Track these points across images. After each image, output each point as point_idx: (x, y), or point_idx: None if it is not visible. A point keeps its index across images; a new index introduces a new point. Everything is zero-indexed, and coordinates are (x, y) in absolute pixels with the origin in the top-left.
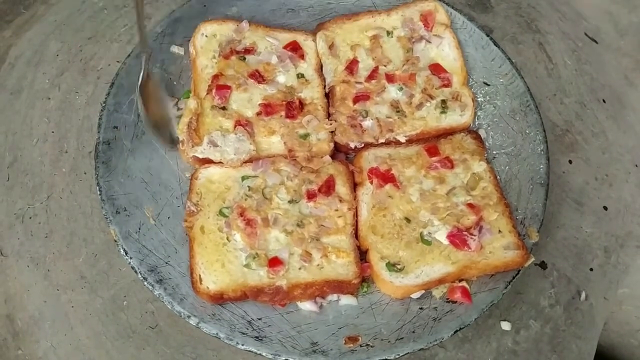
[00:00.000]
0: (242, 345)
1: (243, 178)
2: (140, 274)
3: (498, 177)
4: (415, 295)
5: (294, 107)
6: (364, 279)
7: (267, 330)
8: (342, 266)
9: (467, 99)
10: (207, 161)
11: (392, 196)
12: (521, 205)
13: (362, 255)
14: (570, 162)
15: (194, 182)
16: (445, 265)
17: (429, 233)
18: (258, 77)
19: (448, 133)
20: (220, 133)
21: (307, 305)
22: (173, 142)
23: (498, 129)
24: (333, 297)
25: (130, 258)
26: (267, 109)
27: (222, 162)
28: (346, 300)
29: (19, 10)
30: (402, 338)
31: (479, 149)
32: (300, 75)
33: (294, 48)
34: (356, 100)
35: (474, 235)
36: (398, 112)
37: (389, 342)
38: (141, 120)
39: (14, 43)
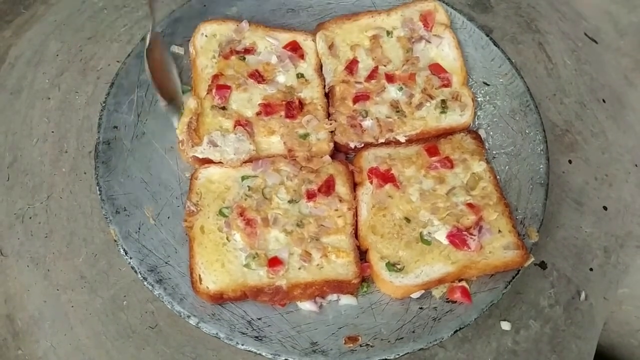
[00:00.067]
0: (242, 345)
1: (243, 178)
2: (140, 273)
3: (498, 177)
4: (415, 295)
5: (293, 107)
6: (364, 279)
7: (267, 330)
8: (342, 266)
9: (466, 99)
10: (207, 161)
11: (392, 196)
12: (521, 205)
13: (361, 255)
14: (570, 162)
15: (194, 182)
16: (445, 265)
17: (429, 233)
18: (258, 77)
19: (448, 133)
20: (220, 133)
21: (306, 305)
22: (178, 105)
23: (498, 129)
24: (333, 297)
25: (130, 258)
26: (267, 109)
27: (222, 162)
28: (346, 300)
29: (19, 10)
30: (402, 338)
31: (478, 149)
32: (300, 75)
33: (294, 48)
34: (356, 100)
35: (474, 235)
36: (398, 112)
37: (388, 342)
38: (141, 120)
39: (14, 43)
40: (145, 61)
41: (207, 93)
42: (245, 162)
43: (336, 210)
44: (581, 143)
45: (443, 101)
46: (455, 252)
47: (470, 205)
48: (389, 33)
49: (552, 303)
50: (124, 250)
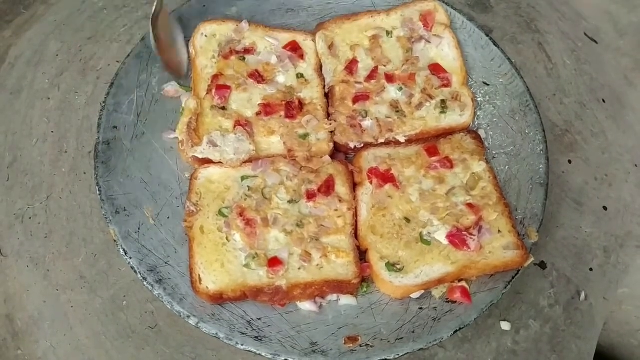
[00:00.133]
0: (242, 345)
1: (243, 178)
2: (140, 274)
3: (498, 177)
4: (414, 295)
5: (293, 107)
6: (364, 279)
7: (267, 330)
8: (342, 266)
9: (466, 99)
10: (207, 161)
11: (392, 196)
12: (521, 205)
13: (361, 255)
14: (569, 162)
15: (194, 182)
16: (444, 265)
17: (429, 233)
18: (258, 77)
19: (448, 133)
20: (219, 133)
21: (306, 305)
22: (182, 74)
23: (497, 129)
24: (333, 297)
25: (130, 258)
26: (267, 109)
27: (221, 162)
28: (346, 300)
29: (19, 10)
30: (401, 338)
31: (478, 149)
32: (299, 75)
33: (294, 48)
34: (356, 100)
35: (474, 235)
36: (398, 112)
37: (388, 342)
38: (141, 120)
39: (14, 43)
40: (151, 30)
41: (207, 93)
42: (245, 162)
43: (336, 210)
44: (581, 143)
45: (443, 101)
46: (455, 252)
47: (470, 206)
48: (388, 33)
49: (552, 303)
50: (124, 250)
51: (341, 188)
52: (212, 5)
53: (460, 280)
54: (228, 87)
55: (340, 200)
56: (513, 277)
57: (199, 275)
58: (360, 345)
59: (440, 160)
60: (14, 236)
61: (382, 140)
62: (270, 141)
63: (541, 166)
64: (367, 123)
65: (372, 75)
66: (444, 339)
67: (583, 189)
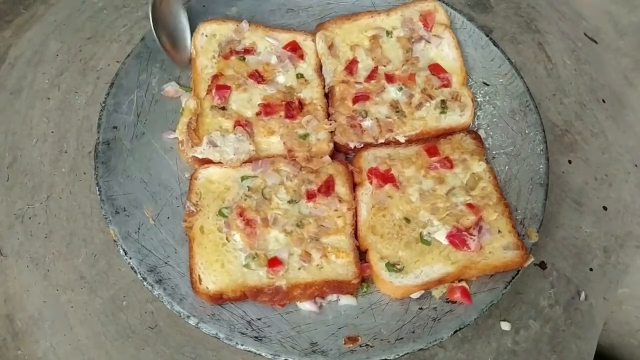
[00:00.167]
0: (242, 345)
1: (242, 178)
2: (140, 274)
3: (497, 177)
4: (414, 296)
5: (293, 107)
6: (364, 279)
7: (267, 331)
8: (342, 266)
9: (466, 99)
10: (207, 161)
11: (392, 196)
12: (521, 206)
13: (361, 255)
14: (569, 162)
15: (194, 182)
16: (444, 266)
17: (429, 233)
18: (258, 77)
19: (447, 133)
20: (219, 133)
21: (306, 306)
22: (184, 56)
23: (497, 129)
24: (332, 297)
25: (130, 258)
26: (267, 109)
27: (221, 162)
28: (346, 300)
29: (19, 10)
30: (401, 338)
31: (478, 149)
32: (299, 76)
33: (294, 48)
34: (356, 100)
35: (474, 236)
36: (397, 112)
37: (388, 342)
38: (141, 120)
39: (14, 43)
40: (151, 13)
41: (207, 93)
42: (245, 162)
43: (336, 210)
44: (581, 143)
45: (443, 101)
46: (455, 253)
47: (470, 206)
48: (388, 33)
49: (552, 303)
50: (124, 250)
51: (341, 188)
52: (212, 5)
53: (460, 281)
54: (228, 87)
55: (340, 201)
56: (513, 277)
57: (199, 275)
58: (360, 346)
59: (440, 160)
60: (14, 236)
61: (382, 141)
62: (270, 141)
63: (541, 166)
64: (367, 123)
65: (372, 75)
66: (444, 339)
67: (583, 189)
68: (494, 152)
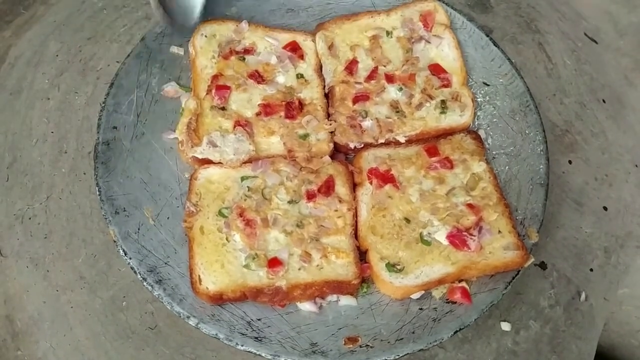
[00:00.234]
0: (242, 345)
1: (242, 178)
2: (140, 274)
3: (498, 178)
4: (415, 296)
5: (293, 108)
6: (364, 280)
7: (267, 331)
8: (342, 267)
9: (466, 99)
10: (207, 161)
11: (392, 196)
12: (521, 206)
13: (361, 255)
14: (570, 162)
15: (194, 183)
16: (444, 266)
17: (429, 233)
18: (257, 77)
19: (448, 133)
20: (219, 133)
21: (306, 306)
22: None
23: (498, 129)
24: (333, 297)
25: (130, 258)
26: (267, 109)
27: (221, 163)
28: (346, 300)
29: (18, 10)
30: (401, 339)
31: (478, 149)
32: (299, 76)
33: (294, 48)
34: (356, 100)
35: (474, 236)
36: (398, 112)
37: (388, 342)
38: (140, 120)
39: (13, 43)
40: None
41: (207, 93)
42: (245, 162)
43: (336, 210)
44: (581, 143)
45: (443, 101)
46: (455, 253)
47: (470, 206)
48: (388, 33)
49: (552, 303)
50: (124, 250)
51: (341, 188)
52: (212, 5)
53: (460, 281)
54: (228, 88)
55: (340, 201)
56: (513, 278)
57: (199, 275)
58: (360, 346)
59: (440, 160)
60: (14, 236)
61: (382, 141)
62: (270, 141)
63: (541, 166)
64: (367, 123)
65: (372, 75)
66: (444, 340)
67: (583, 189)
68: (494, 152)
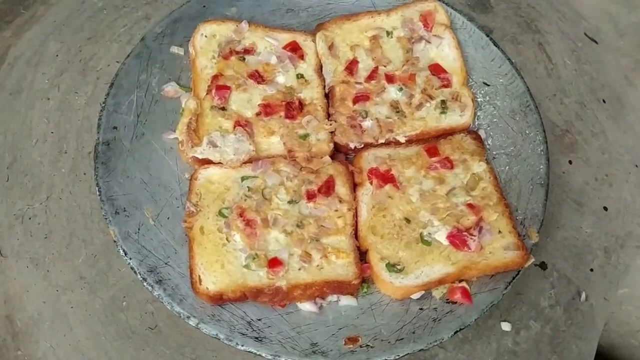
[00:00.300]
0: (242, 346)
1: (242, 178)
2: (140, 274)
3: (498, 178)
4: (415, 296)
5: (293, 108)
6: (364, 280)
7: (267, 331)
8: (342, 267)
9: (466, 99)
10: (207, 162)
11: (392, 196)
12: (521, 206)
13: (362, 255)
14: (570, 162)
15: (194, 183)
16: (445, 266)
17: (429, 233)
18: (257, 77)
19: (448, 133)
20: (219, 133)
21: (306, 306)
22: None
23: (498, 130)
24: (333, 297)
25: (130, 259)
26: (267, 109)
27: (221, 163)
28: (346, 300)
29: (18, 10)
30: (402, 339)
31: (478, 150)
32: (299, 76)
33: (294, 48)
34: (356, 100)
35: (474, 236)
36: (398, 112)
37: (389, 342)
38: (141, 120)
39: (13, 43)
40: None
41: (207, 93)
42: (245, 162)
43: (336, 210)
44: (581, 143)
45: (443, 101)
46: (456, 253)
47: (470, 206)
48: (388, 33)
49: (552, 304)
50: (124, 251)
51: (341, 188)
52: (212, 5)
53: (460, 281)
54: (228, 88)
55: (340, 201)
56: (513, 278)
57: (199, 275)
58: (361, 346)
59: (440, 160)
60: (14, 237)
61: (382, 141)
62: (270, 141)
63: (541, 166)
64: (367, 123)
65: (372, 75)
66: (445, 340)
67: (583, 190)
68: (494, 153)
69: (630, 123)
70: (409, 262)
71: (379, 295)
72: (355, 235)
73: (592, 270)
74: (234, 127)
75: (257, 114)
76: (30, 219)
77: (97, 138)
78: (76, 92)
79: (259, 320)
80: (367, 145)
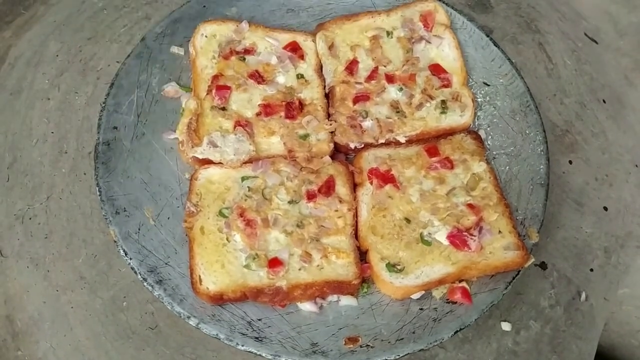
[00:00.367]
0: (242, 346)
1: (243, 178)
2: (140, 274)
3: (498, 178)
4: (415, 296)
5: (293, 108)
6: (364, 280)
7: (267, 331)
8: (342, 267)
9: (467, 99)
10: (207, 162)
11: (392, 197)
12: (521, 206)
13: (362, 255)
14: (570, 162)
15: (194, 183)
16: (445, 266)
17: (429, 233)
18: (258, 77)
19: (448, 133)
20: (220, 133)
21: (307, 306)
22: None
23: (498, 130)
24: (333, 297)
25: (130, 259)
26: (267, 109)
27: (221, 163)
28: (346, 300)
29: (18, 10)
30: (402, 339)
31: (478, 150)
32: (300, 76)
33: (294, 48)
34: (356, 100)
35: (474, 236)
36: (398, 112)
37: (389, 342)
38: (141, 120)
39: (13, 43)
40: None
41: (207, 93)
42: (245, 162)
43: (336, 210)
44: (581, 143)
45: (443, 102)
46: (456, 253)
47: (470, 206)
48: (389, 33)
49: (552, 304)
50: (124, 251)
51: (341, 188)
52: (212, 5)
53: (460, 281)
54: (228, 88)
55: (340, 201)
56: (514, 278)
57: (199, 276)
58: (361, 346)
59: (440, 160)
60: (14, 237)
61: (382, 141)
62: (270, 141)
63: (542, 166)
64: (367, 123)
65: (372, 75)
66: (445, 340)
67: (583, 190)
68: (494, 153)
69: (630, 123)
70: (409, 262)
71: (379, 295)
72: (356, 235)
73: (592, 270)
74: (234, 127)
75: (258, 114)
76: (30, 219)
77: (97, 138)
78: (76, 92)
79: (259, 320)
80: (367, 145)
